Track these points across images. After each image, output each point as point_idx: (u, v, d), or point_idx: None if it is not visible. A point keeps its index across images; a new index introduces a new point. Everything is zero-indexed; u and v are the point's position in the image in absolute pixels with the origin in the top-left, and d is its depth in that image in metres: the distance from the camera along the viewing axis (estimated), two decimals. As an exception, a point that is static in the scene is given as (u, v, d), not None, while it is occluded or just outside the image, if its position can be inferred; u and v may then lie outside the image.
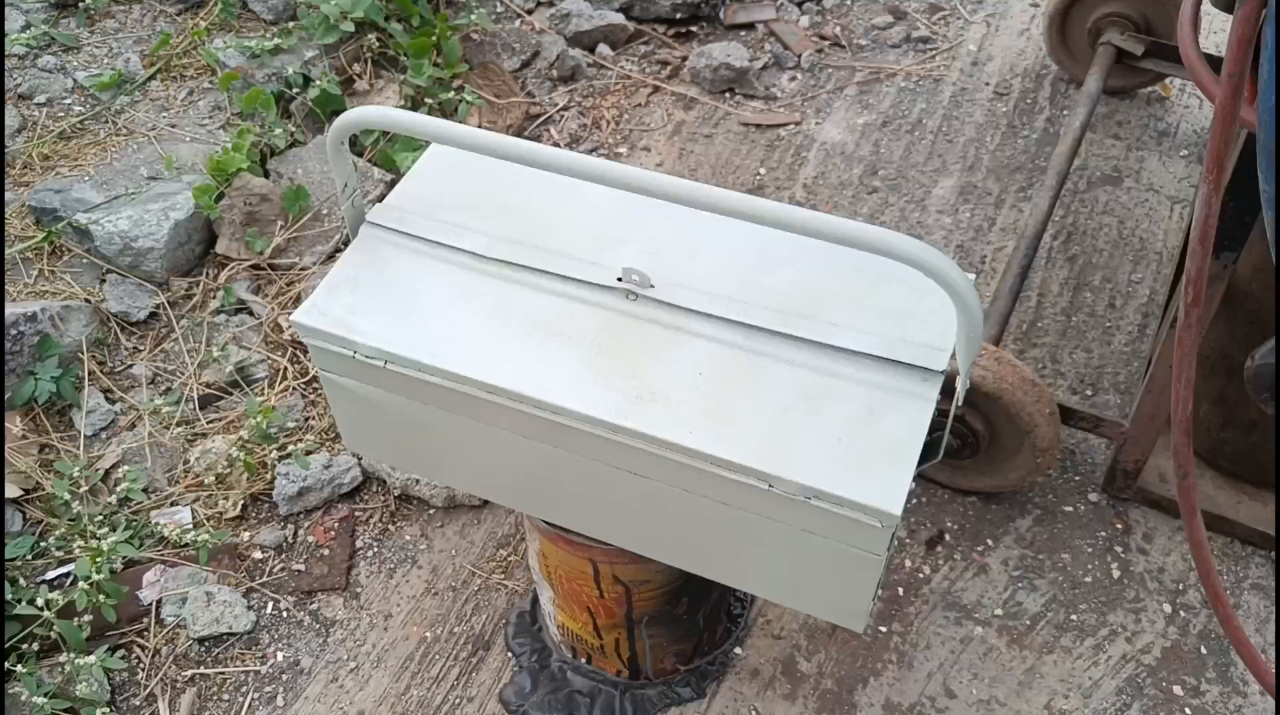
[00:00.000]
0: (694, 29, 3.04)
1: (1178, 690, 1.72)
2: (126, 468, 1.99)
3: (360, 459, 2.03)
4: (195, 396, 2.13)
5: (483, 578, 1.90)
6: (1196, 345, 1.34)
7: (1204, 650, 1.76)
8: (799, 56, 2.92)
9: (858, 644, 1.78)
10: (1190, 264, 1.28)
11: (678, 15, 3.00)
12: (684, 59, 2.92)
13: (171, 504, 1.98)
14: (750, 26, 3.04)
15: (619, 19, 2.97)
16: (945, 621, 1.81)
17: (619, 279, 1.26)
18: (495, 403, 1.21)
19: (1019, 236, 2.04)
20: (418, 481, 1.98)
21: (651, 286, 1.25)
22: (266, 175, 2.46)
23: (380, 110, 1.17)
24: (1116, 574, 1.86)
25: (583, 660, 1.75)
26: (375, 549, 1.95)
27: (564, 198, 1.38)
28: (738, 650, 1.79)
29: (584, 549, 1.43)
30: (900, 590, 1.84)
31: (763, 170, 2.66)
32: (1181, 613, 1.81)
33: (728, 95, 2.85)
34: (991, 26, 3.02)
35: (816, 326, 1.22)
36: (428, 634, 1.84)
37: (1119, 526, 1.92)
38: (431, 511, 2.00)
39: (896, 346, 1.19)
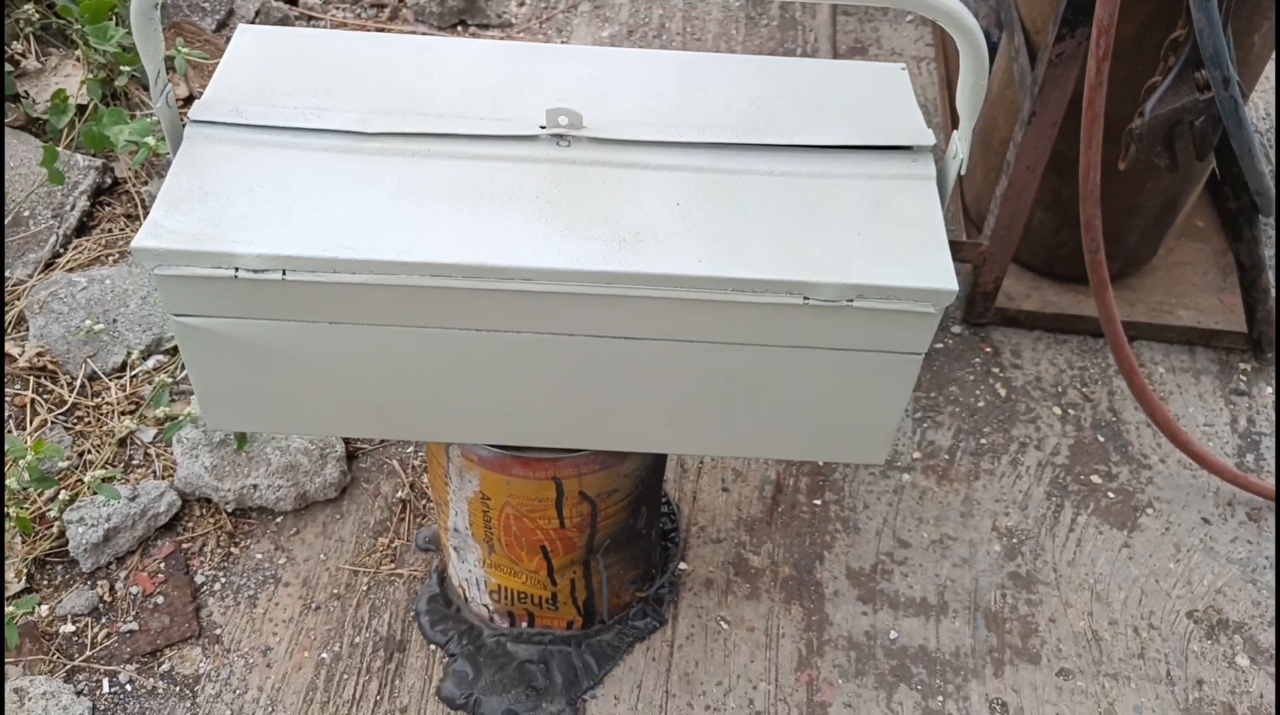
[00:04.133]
0: (397, -30, 2.77)
1: (1096, 479, 1.75)
2: None
3: (173, 481, 1.64)
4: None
5: (369, 574, 1.60)
6: (1104, 105, 1.34)
7: (1101, 438, 1.81)
8: (520, -18, 2.75)
9: (800, 523, 1.67)
10: (1101, 11, 1.27)
11: (377, -44, 2.72)
12: (399, -2, 2.66)
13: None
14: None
15: (313, -34, 2.64)
16: (872, 478, 1.74)
17: (542, 127, 1.06)
18: (442, 289, 0.96)
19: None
20: (255, 488, 1.63)
21: (584, 127, 1.06)
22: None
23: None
24: (1003, 393, 1.87)
25: (524, 625, 1.51)
26: (222, 580, 1.59)
27: (429, 66, 1.14)
28: (682, 565, 1.62)
29: (547, 465, 1.20)
30: (819, 462, 1.75)
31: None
32: (1070, 411, 1.85)
33: (460, 29, 2.62)
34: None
35: (782, 131, 1.08)
36: (324, 655, 1.51)
37: (988, 350, 1.94)
38: (279, 519, 1.65)
39: (874, 132, 1.08)
